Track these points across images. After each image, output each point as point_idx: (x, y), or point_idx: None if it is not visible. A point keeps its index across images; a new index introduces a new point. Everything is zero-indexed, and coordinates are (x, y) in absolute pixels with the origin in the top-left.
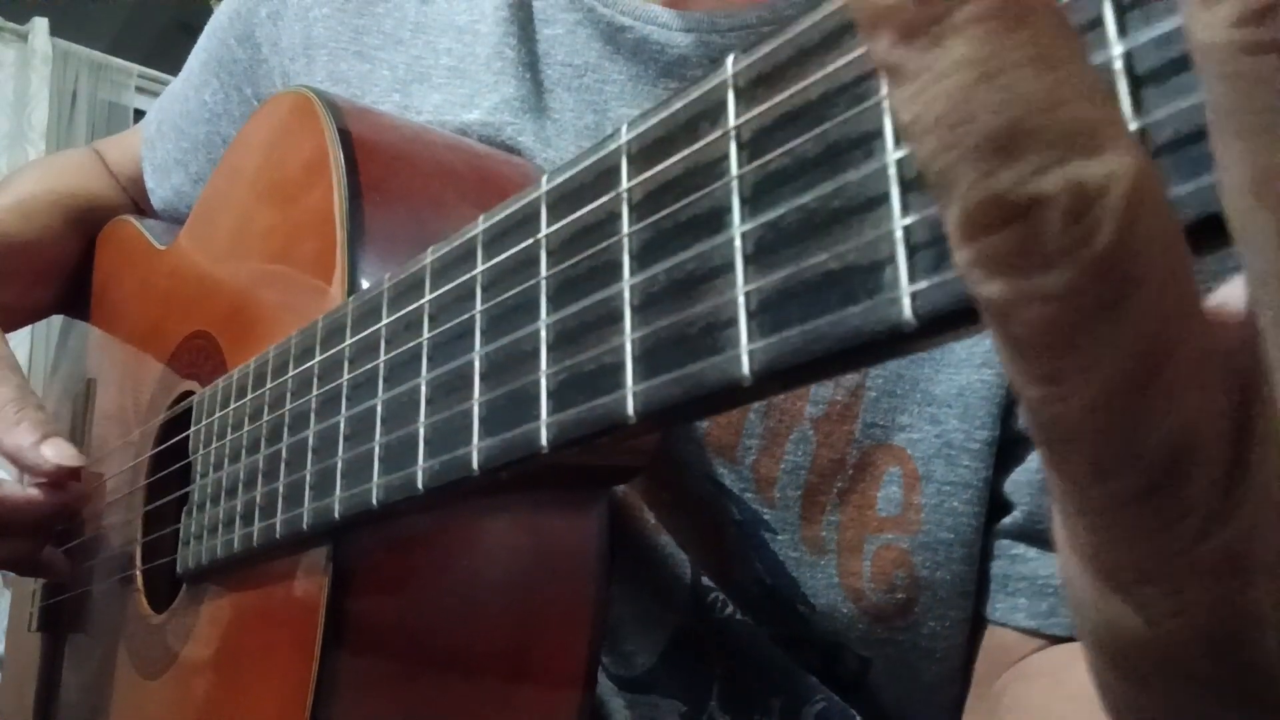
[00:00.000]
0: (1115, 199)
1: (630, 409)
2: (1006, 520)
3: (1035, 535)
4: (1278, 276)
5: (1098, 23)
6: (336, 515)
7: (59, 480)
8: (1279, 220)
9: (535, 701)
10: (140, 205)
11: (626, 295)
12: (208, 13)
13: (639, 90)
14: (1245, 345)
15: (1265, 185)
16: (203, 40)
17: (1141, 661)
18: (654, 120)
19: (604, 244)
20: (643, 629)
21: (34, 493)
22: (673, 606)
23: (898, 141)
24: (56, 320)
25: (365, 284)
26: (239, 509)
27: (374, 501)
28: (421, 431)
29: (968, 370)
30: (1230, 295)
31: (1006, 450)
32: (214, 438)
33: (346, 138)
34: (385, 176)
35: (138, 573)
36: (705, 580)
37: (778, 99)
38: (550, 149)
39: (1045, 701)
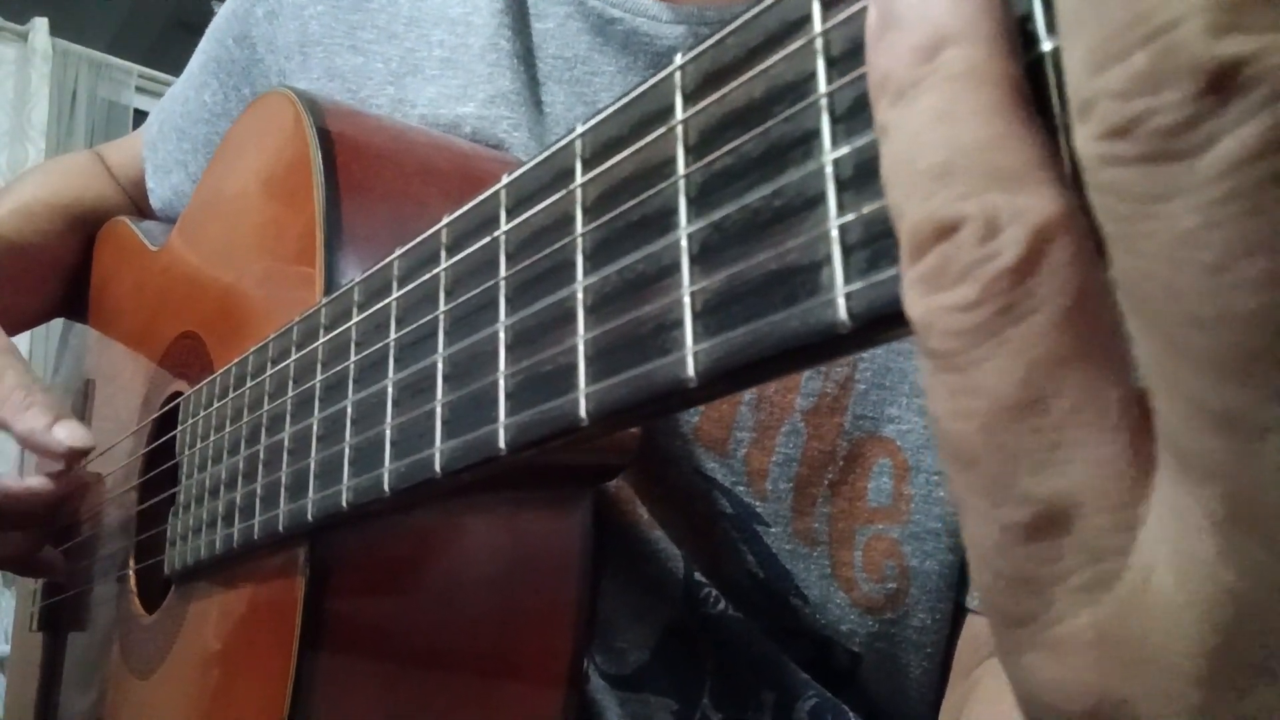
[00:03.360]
0: (1022, 228)
1: (583, 410)
2: None
3: None
4: (1165, 380)
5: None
6: (310, 517)
7: (72, 461)
8: (1153, 325)
9: (517, 700)
10: (141, 208)
11: (580, 296)
12: (208, 12)
13: (629, 82)
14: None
15: (1137, 292)
16: (203, 42)
17: None
18: (606, 119)
19: (559, 244)
20: (635, 625)
21: (33, 483)
22: (665, 602)
23: (835, 141)
24: (57, 323)
25: (342, 284)
26: (220, 510)
27: (344, 504)
28: (388, 433)
29: None
30: None
31: None
32: (198, 438)
33: (326, 137)
34: (366, 176)
35: (130, 573)
36: (698, 575)
37: (722, 97)
38: (543, 143)
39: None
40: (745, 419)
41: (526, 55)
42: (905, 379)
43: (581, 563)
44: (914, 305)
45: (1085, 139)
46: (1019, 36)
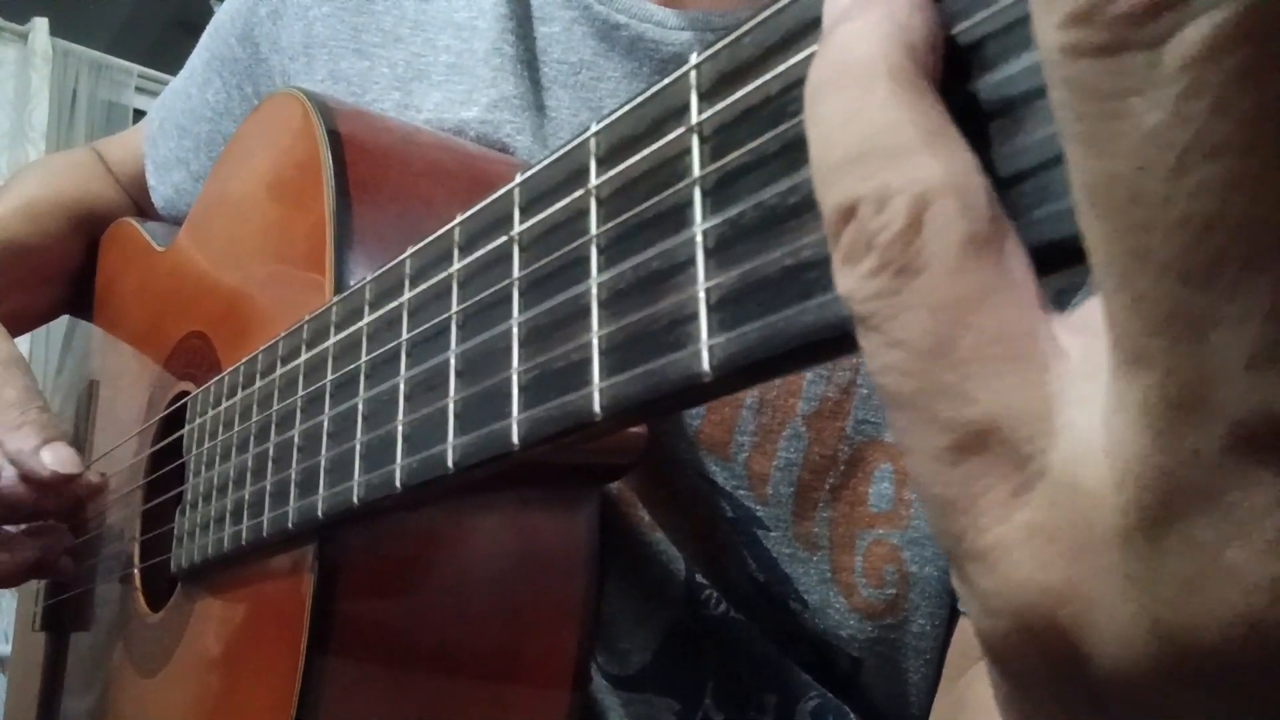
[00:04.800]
0: (904, 197)
1: (596, 405)
2: None
3: None
4: (1117, 279)
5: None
6: (320, 513)
7: (58, 486)
8: (1112, 227)
9: (523, 700)
10: (141, 205)
11: (594, 292)
12: (208, 12)
13: (634, 88)
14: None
15: (1097, 192)
16: (205, 39)
17: (994, 656)
18: (621, 117)
19: (573, 242)
20: (637, 627)
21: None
22: (667, 604)
23: None
24: (59, 322)
25: (353, 284)
26: (229, 507)
27: (355, 500)
28: (400, 430)
29: None
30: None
31: None
32: (206, 437)
33: (336, 138)
34: (375, 177)
35: (135, 572)
36: (699, 578)
37: (739, 96)
38: (547, 148)
39: None
40: (747, 423)
41: (531, 60)
42: None
43: (588, 563)
44: (839, 282)
45: (1047, 27)
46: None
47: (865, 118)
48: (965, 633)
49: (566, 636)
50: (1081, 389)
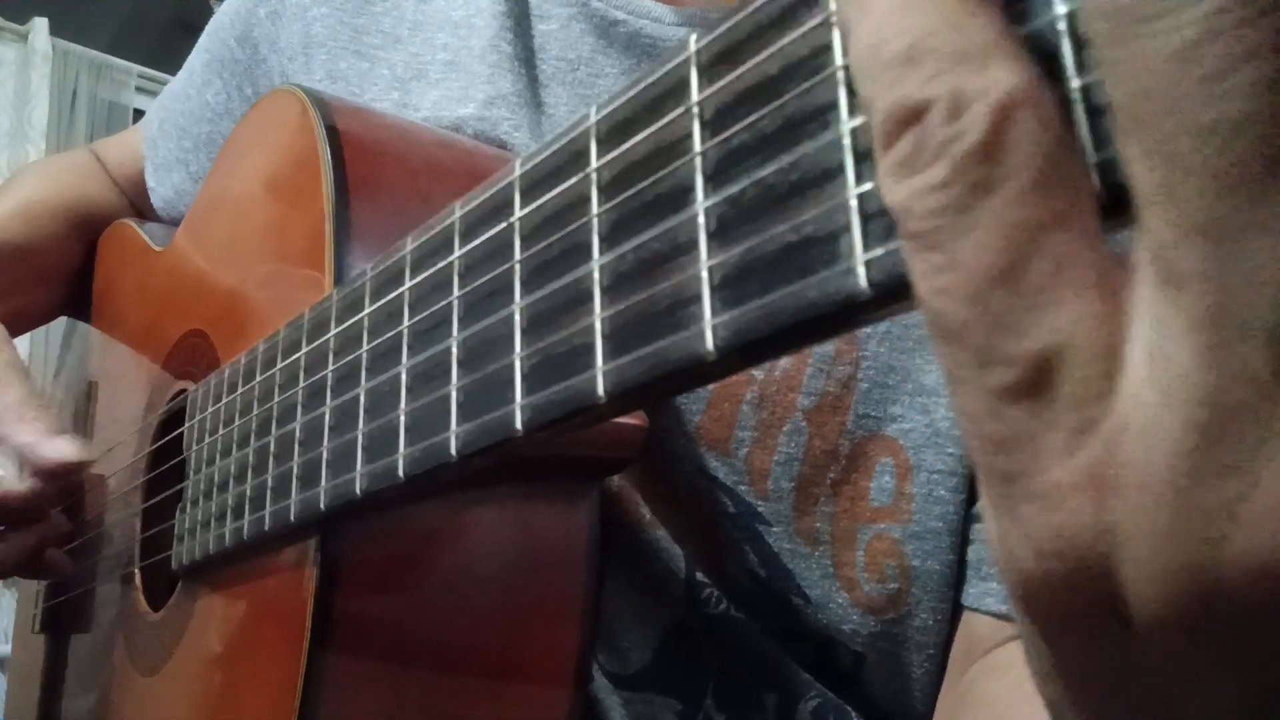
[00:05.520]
0: (985, 105)
1: (600, 388)
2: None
3: None
4: (1154, 194)
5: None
6: (322, 506)
7: (65, 476)
8: (1149, 142)
9: (525, 697)
10: (139, 206)
11: (596, 276)
12: (208, 12)
13: None
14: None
15: (1135, 112)
16: (204, 39)
17: (1034, 603)
18: (621, 101)
19: (574, 225)
20: (637, 625)
21: (34, 482)
22: (667, 602)
23: (852, 112)
24: (58, 323)
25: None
26: (230, 503)
27: (358, 491)
28: (402, 419)
29: None
30: None
31: None
32: (206, 433)
33: (334, 135)
34: (373, 173)
35: (136, 570)
36: (699, 576)
37: (738, 74)
38: None
39: (1010, 698)
40: (747, 418)
41: (528, 57)
42: (908, 378)
43: (589, 558)
44: (891, 191)
45: None
46: None
47: (926, 9)
48: (969, 628)
49: (568, 632)
50: (1137, 326)
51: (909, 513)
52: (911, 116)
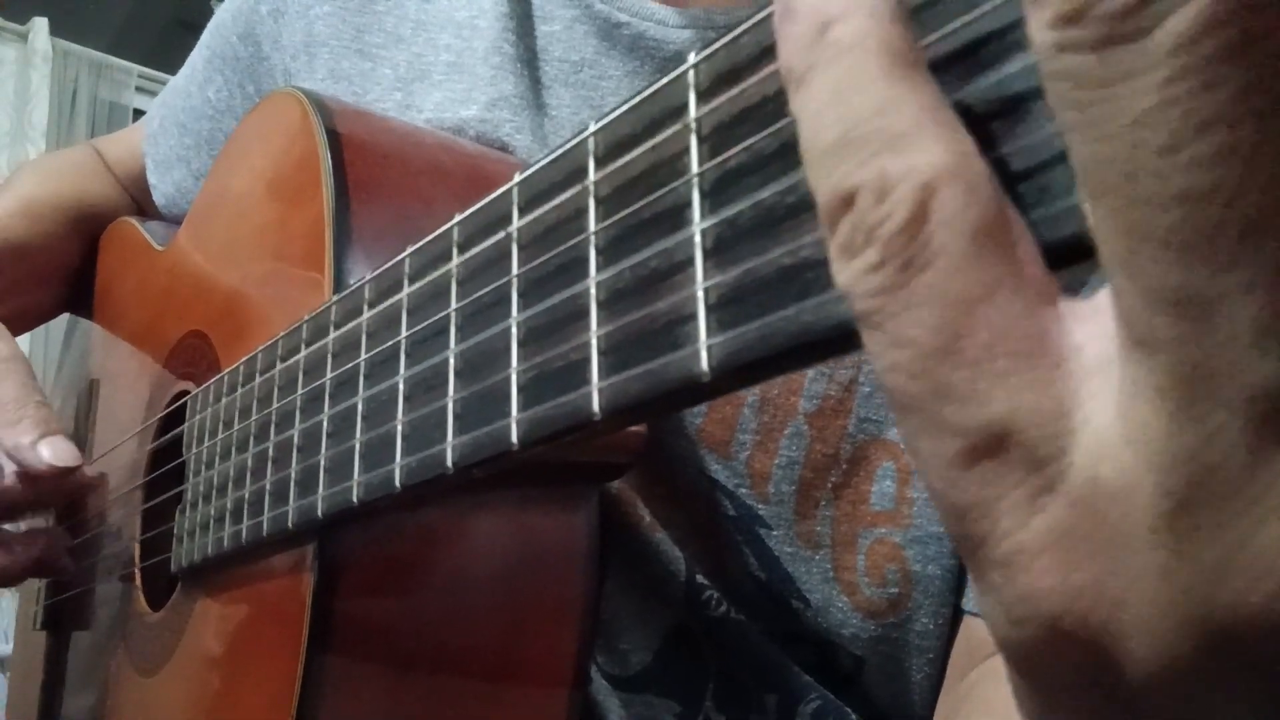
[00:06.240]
0: (908, 186)
1: (595, 405)
2: None
3: None
4: (1121, 260)
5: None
6: (319, 513)
7: (55, 480)
8: (1112, 207)
9: (523, 699)
10: (140, 204)
11: (593, 292)
12: (208, 12)
13: (635, 86)
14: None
15: (1096, 175)
16: (206, 36)
17: (1018, 662)
18: (619, 116)
19: (572, 241)
20: (637, 627)
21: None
22: (667, 604)
23: None
24: (58, 321)
25: (352, 284)
26: (229, 506)
27: (354, 499)
28: (399, 429)
29: None
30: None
31: None
32: (206, 435)
33: (335, 138)
34: (374, 177)
35: (136, 571)
36: (700, 578)
37: (735, 94)
38: (547, 146)
39: (1010, 702)
40: (748, 421)
41: (531, 58)
42: None
43: (588, 561)
44: (837, 274)
45: (1039, 27)
46: None
47: (858, 97)
48: (969, 632)
49: (567, 635)
50: (1095, 382)
51: (910, 517)
52: (846, 202)
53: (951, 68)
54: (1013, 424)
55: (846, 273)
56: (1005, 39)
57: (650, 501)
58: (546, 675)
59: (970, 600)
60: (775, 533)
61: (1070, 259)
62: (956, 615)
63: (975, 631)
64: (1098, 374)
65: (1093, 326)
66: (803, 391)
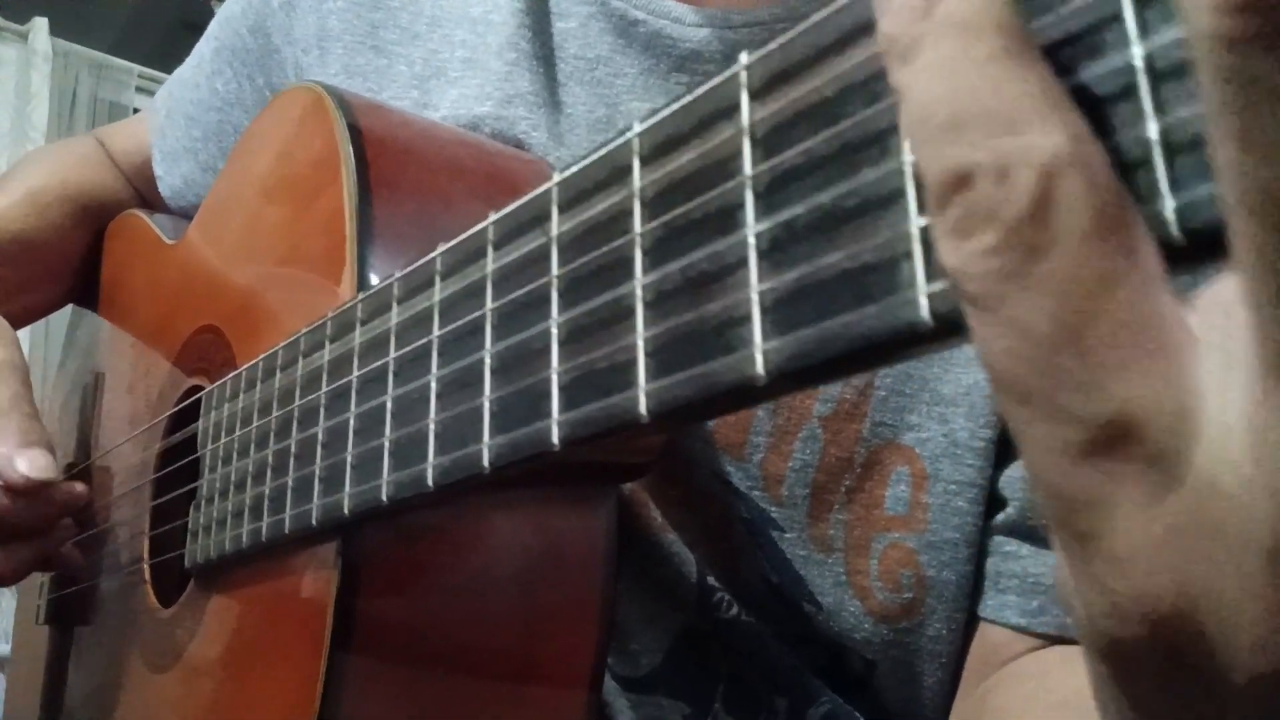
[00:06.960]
0: (1030, 169)
1: (643, 408)
2: (1000, 516)
3: (1027, 531)
4: (1269, 289)
5: (1117, 18)
6: (346, 511)
7: (32, 491)
8: (1270, 233)
9: (542, 699)
10: (145, 195)
11: (639, 293)
12: (209, 12)
13: (651, 84)
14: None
15: (1254, 194)
16: (214, 27)
17: (1112, 658)
18: (666, 117)
19: (616, 242)
20: (648, 628)
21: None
22: (678, 606)
23: None
24: (60, 315)
25: (375, 280)
26: (248, 503)
27: (383, 498)
28: (432, 428)
29: (975, 369)
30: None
31: (1003, 447)
32: (223, 432)
33: (357, 134)
34: (395, 173)
35: (145, 566)
36: (710, 580)
37: (792, 97)
38: (563, 144)
39: (1028, 707)
40: (763, 423)
41: (547, 55)
42: (925, 386)
43: (606, 562)
44: (947, 255)
45: (1200, 11)
46: None
47: (973, 74)
48: (985, 639)
49: (585, 636)
50: (1219, 379)
51: (924, 522)
52: (961, 182)
53: (1058, 53)
54: (1135, 417)
55: (959, 254)
56: (1106, 32)
57: (662, 503)
58: (565, 676)
59: (989, 607)
60: (788, 535)
61: (1179, 258)
62: (971, 621)
63: (992, 637)
64: (1222, 370)
65: (1213, 320)
66: (818, 394)
